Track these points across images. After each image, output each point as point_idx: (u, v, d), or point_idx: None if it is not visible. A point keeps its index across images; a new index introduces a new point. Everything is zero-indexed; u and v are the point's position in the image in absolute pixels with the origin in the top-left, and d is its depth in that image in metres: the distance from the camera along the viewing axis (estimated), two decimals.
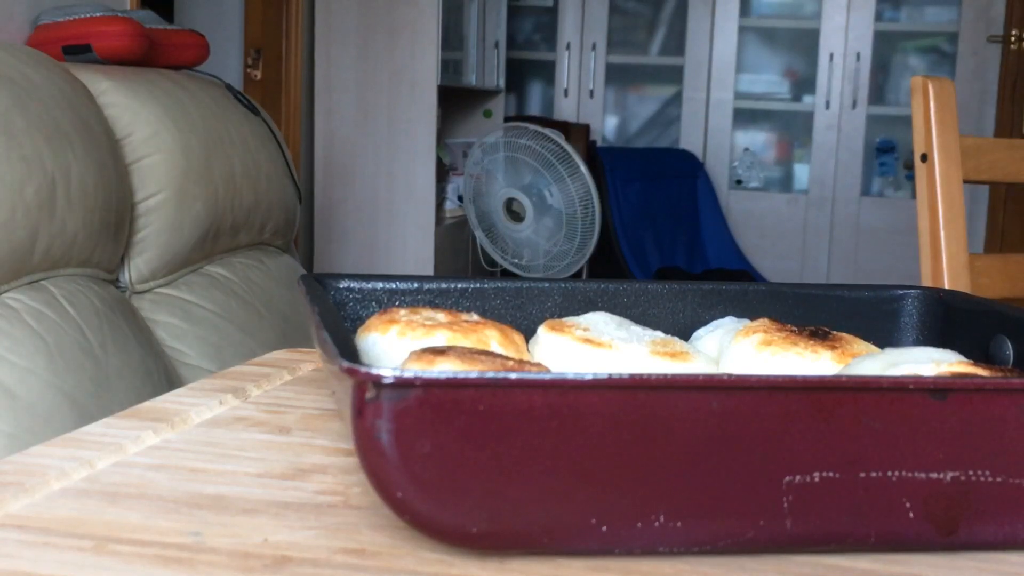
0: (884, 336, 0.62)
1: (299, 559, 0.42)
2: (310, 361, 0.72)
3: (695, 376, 0.40)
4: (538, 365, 0.48)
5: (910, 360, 0.50)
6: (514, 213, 3.47)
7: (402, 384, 0.38)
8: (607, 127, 4.67)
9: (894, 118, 4.40)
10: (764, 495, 0.41)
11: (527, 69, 4.65)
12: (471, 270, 3.66)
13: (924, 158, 1.42)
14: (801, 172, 4.53)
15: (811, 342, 0.56)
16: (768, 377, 0.41)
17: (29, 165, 1.34)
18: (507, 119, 4.01)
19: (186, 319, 1.68)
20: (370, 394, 0.38)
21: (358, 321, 0.60)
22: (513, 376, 0.39)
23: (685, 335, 0.62)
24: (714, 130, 4.49)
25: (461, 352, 0.47)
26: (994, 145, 1.51)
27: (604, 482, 0.40)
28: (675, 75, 4.50)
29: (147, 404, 0.61)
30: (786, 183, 4.58)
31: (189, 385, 0.65)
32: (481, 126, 3.90)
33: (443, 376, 0.39)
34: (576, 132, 4.17)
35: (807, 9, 4.46)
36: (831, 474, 0.41)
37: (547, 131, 3.41)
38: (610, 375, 0.39)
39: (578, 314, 0.60)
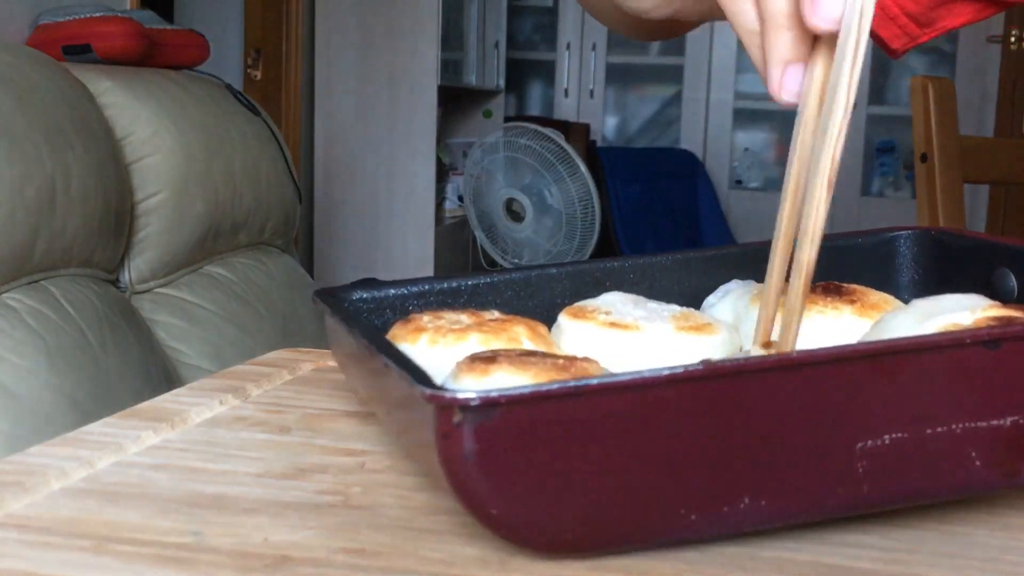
0: (884, 281, 0.63)
1: (299, 559, 0.42)
2: (310, 361, 0.72)
3: (767, 359, 0.42)
4: (587, 360, 0.48)
5: (943, 311, 0.50)
6: (514, 213, 3.47)
7: (488, 404, 0.38)
8: (607, 127, 4.67)
9: (894, 118, 4.40)
10: (839, 464, 0.42)
11: (527, 69, 4.65)
12: (471, 270, 3.66)
13: (924, 158, 1.42)
14: None
15: (829, 299, 0.56)
16: (833, 349, 0.42)
17: (29, 165, 1.34)
18: (507, 119, 4.01)
19: (186, 319, 1.68)
20: (457, 418, 0.39)
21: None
22: (594, 382, 0.39)
23: (695, 303, 0.62)
24: (714, 130, 4.49)
25: (510, 356, 0.47)
26: (994, 145, 1.52)
27: (689, 472, 0.41)
28: (675, 75, 4.50)
29: (147, 404, 0.61)
30: None
31: (189, 385, 0.65)
32: (481, 126, 3.90)
33: (527, 391, 0.39)
34: (576, 132, 4.18)
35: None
36: (900, 435, 0.42)
37: (547, 131, 3.41)
38: (685, 368, 0.40)
39: (588, 297, 0.60)
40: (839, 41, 0.45)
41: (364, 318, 0.60)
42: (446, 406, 0.39)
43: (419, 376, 0.41)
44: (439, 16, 3.27)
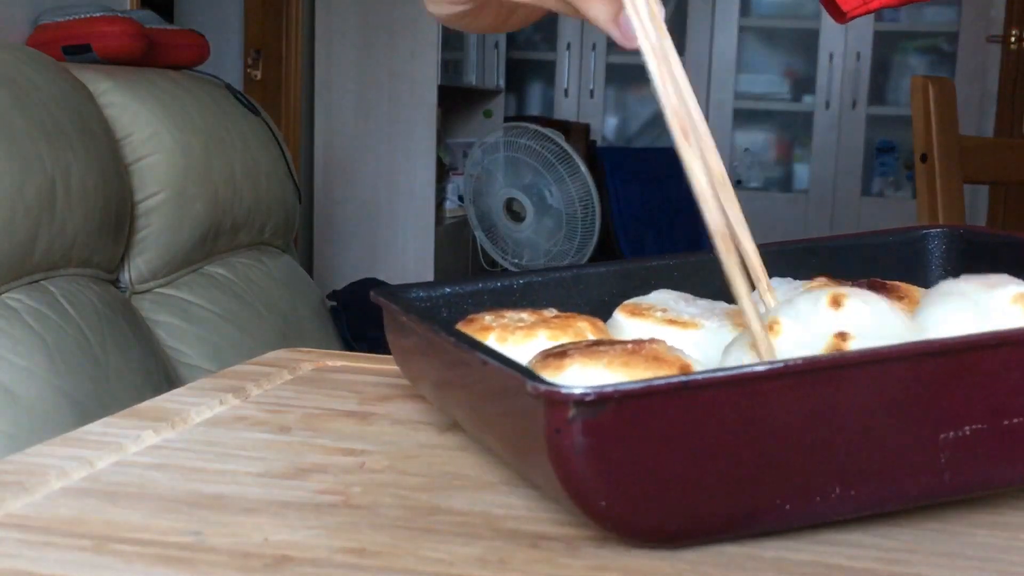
0: (913, 279, 0.64)
1: (299, 559, 0.42)
2: (310, 361, 0.72)
3: (863, 353, 0.43)
4: (653, 340, 0.49)
5: (1001, 282, 0.52)
6: (514, 213, 3.47)
7: (602, 399, 0.40)
8: (607, 127, 4.67)
9: (894, 118, 4.40)
10: (923, 454, 0.44)
11: (527, 69, 4.65)
12: (471, 270, 3.66)
13: (924, 158, 1.42)
14: (801, 172, 4.53)
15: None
16: (919, 344, 0.44)
17: (29, 165, 1.33)
18: (507, 119, 4.01)
19: (186, 319, 1.68)
20: (571, 413, 0.40)
21: None
22: (700, 377, 0.41)
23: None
24: (714, 130, 4.46)
25: (579, 349, 0.48)
26: (994, 145, 1.52)
27: (785, 463, 0.43)
28: None
29: (147, 404, 0.61)
30: (786, 183, 4.58)
31: (189, 385, 0.65)
32: (481, 126, 3.90)
33: (638, 386, 0.40)
34: (576, 132, 4.17)
35: (807, 9, 4.46)
36: (979, 426, 0.44)
37: (547, 131, 3.41)
38: (785, 362, 0.41)
39: (633, 295, 0.61)
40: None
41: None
42: (560, 402, 0.40)
43: (527, 372, 0.42)
44: None
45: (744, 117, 4.53)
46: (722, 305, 0.58)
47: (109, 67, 1.74)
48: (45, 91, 1.44)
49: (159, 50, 1.89)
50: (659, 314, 0.56)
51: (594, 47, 4.54)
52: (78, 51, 1.78)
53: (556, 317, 0.55)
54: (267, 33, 3.19)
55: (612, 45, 5.07)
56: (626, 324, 0.57)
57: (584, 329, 0.54)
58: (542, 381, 0.40)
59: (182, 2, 3.23)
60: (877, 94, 4.42)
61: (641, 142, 4.66)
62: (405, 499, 0.48)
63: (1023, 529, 0.47)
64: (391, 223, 3.33)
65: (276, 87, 3.20)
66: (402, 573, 0.41)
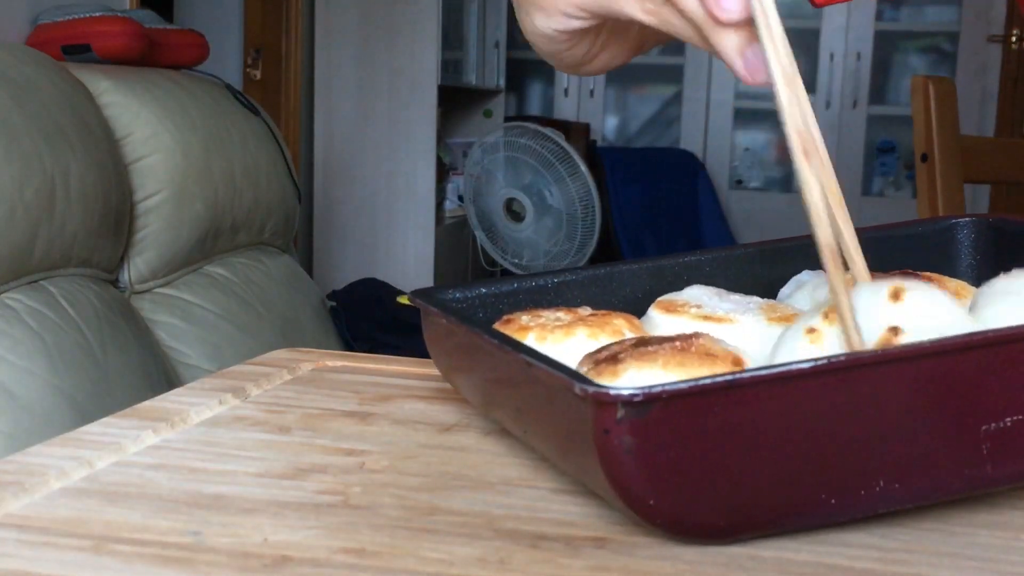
0: (943, 269, 0.64)
1: (299, 559, 0.42)
2: (310, 361, 0.72)
3: (905, 348, 0.43)
4: (697, 335, 0.49)
5: None
6: (514, 213, 3.47)
7: (650, 399, 0.40)
8: (607, 127, 4.67)
9: (894, 118, 4.40)
10: (966, 446, 0.45)
11: (527, 69, 4.65)
12: (471, 270, 3.66)
13: (924, 158, 1.42)
14: None
15: None
16: (962, 338, 0.44)
17: (29, 165, 1.33)
18: (507, 119, 4.01)
19: (186, 319, 1.68)
20: (620, 414, 0.40)
21: None
22: (747, 376, 0.41)
23: (769, 294, 0.63)
24: (714, 130, 4.49)
25: (628, 351, 0.48)
26: (994, 145, 1.52)
27: (831, 458, 0.43)
28: (675, 75, 4.50)
29: (147, 404, 0.61)
30: (787, 183, 4.58)
31: (189, 385, 0.65)
32: (481, 126, 3.90)
33: (685, 386, 0.41)
34: (576, 132, 4.17)
35: (807, 9, 4.46)
36: (1020, 416, 0.45)
37: (547, 131, 3.41)
38: (829, 359, 0.42)
39: (666, 292, 0.61)
40: (756, 20, 0.47)
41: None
42: (608, 403, 0.40)
43: (574, 375, 0.42)
44: (439, 16, 3.26)
45: (744, 117, 4.53)
46: (755, 300, 0.59)
47: (109, 67, 1.74)
48: (44, 91, 1.44)
49: (159, 50, 1.89)
50: (694, 310, 0.57)
51: None
52: (78, 51, 1.78)
53: (592, 315, 0.56)
54: (267, 33, 3.19)
55: None
56: (661, 321, 0.57)
57: (621, 326, 0.55)
58: (590, 383, 0.41)
59: (182, 2, 3.23)
60: (877, 94, 4.42)
61: (641, 142, 4.66)
62: (405, 499, 0.48)
63: (1023, 529, 0.47)
64: (391, 223, 3.33)
65: (276, 87, 3.20)
66: (402, 573, 0.41)
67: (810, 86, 4.43)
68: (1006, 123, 4.11)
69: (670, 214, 4.32)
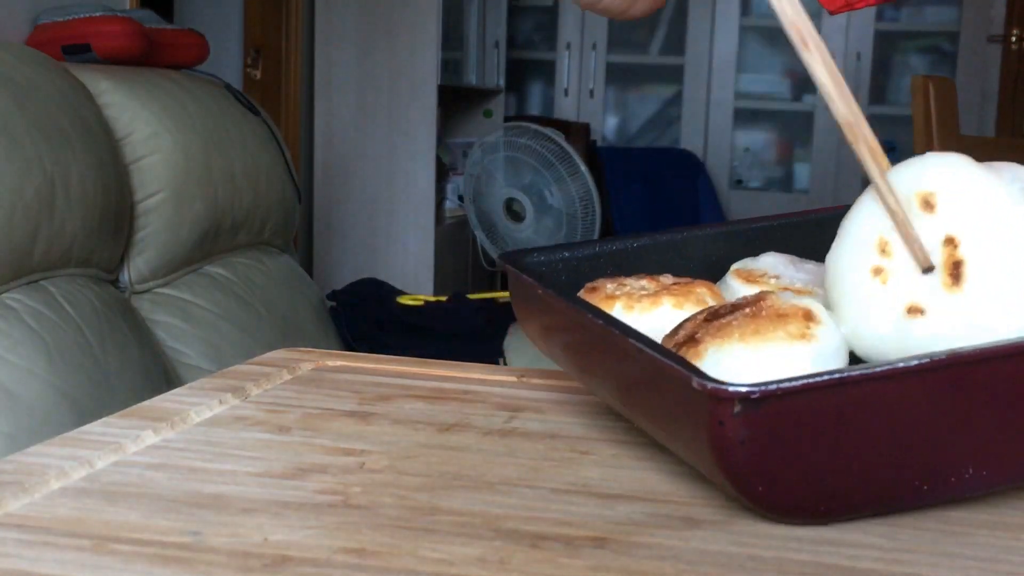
0: None
1: (299, 559, 0.42)
2: (310, 361, 0.72)
3: (1001, 346, 0.45)
4: (805, 312, 0.50)
5: None
6: (514, 213, 3.47)
7: (766, 396, 0.43)
8: (607, 127, 4.67)
9: (894, 118, 4.40)
10: None
11: (527, 69, 4.65)
12: (471, 270, 3.66)
13: None
14: (802, 172, 4.53)
15: None
16: None
17: (29, 165, 1.33)
18: (507, 119, 4.01)
19: (186, 319, 1.68)
20: (737, 408, 0.42)
21: None
22: (855, 373, 0.43)
23: None
24: (714, 130, 4.49)
25: (707, 329, 0.49)
26: (994, 145, 1.51)
27: (925, 448, 0.46)
28: (675, 75, 4.50)
29: (147, 403, 0.61)
30: (787, 183, 4.58)
31: (189, 384, 0.65)
32: (481, 126, 3.90)
33: (798, 383, 0.43)
34: (576, 132, 4.17)
35: (808, 9, 4.45)
36: None
37: (547, 131, 3.41)
38: (931, 358, 0.44)
39: (739, 256, 0.63)
40: None
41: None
42: (725, 398, 0.42)
43: (690, 367, 0.44)
44: (439, 16, 3.26)
45: (744, 117, 4.53)
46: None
47: (109, 67, 1.74)
48: (44, 91, 1.44)
49: (159, 50, 1.89)
50: (772, 281, 0.59)
51: (594, 47, 4.54)
52: (78, 51, 1.78)
53: (676, 284, 0.57)
54: (267, 33, 3.19)
55: (612, 45, 5.03)
56: (740, 289, 0.59)
57: (704, 295, 0.57)
58: (707, 378, 0.43)
59: (182, 2, 3.23)
60: (877, 94, 4.42)
61: (641, 142, 4.66)
62: (405, 499, 0.48)
63: (1023, 529, 0.47)
64: (391, 223, 3.33)
65: (276, 87, 3.19)
66: (402, 573, 0.41)
67: (810, 86, 4.43)
68: (1006, 123, 4.11)
69: (670, 214, 4.32)
